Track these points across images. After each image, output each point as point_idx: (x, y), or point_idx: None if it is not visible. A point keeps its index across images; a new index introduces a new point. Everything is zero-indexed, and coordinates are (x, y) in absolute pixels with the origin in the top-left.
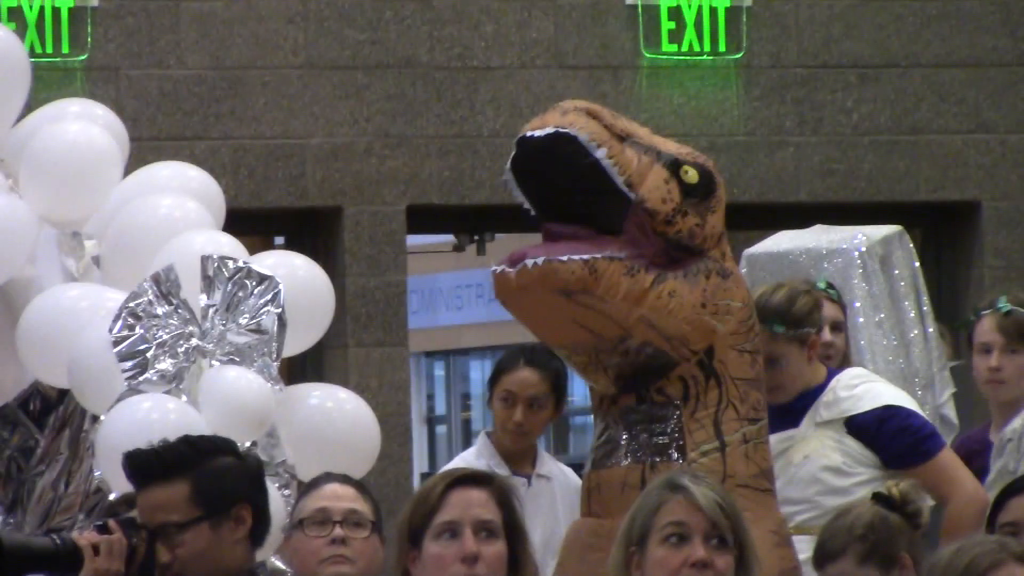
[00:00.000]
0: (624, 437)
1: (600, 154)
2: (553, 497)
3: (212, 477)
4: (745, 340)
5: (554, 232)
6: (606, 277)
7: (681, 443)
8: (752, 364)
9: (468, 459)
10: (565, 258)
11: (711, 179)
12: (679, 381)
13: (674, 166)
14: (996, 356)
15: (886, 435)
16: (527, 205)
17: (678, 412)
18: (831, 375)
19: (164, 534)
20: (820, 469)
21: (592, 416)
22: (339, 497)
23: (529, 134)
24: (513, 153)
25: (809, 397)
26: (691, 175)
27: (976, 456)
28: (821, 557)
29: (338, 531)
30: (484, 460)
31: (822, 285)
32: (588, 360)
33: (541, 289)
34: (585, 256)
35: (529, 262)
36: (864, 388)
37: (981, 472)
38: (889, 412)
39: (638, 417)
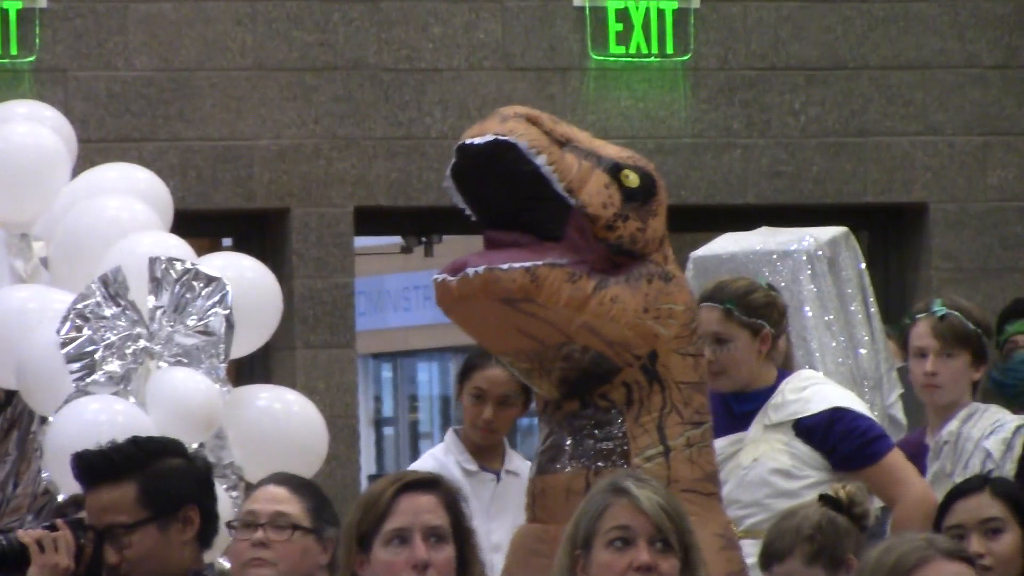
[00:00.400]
0: (568, 443)
1: (540, 161)
2: (522, 493)
3: (160, 478)
4: (688, 344)
5: (495, 239)
6: (548, 284)
7: (625, 448)
8: (695, 367)
9: (437, 455)
10: (506, 266)
11: (652, 182)
12: (623, 386)
13: (614, 170)
14: (932, 361)
15: (834, 437)
16: (468, 212)
17: (622, 417)
18: (781, 377)
19: (112, 535)
20: (769, 472)
21: (537, 420)
22: (269, 499)
23: (469, 141)
24: (453, 160)
25: (759, 399)
26: (632, 179)
27: (913, 460)
28: (768, 557)
29: (259, 534)
30: (453, 456)
31: (763, 285)
32: (531, 366)
33: (483, 298)
34: (527, 264)
35: (470, 271)
36: (813, 391)
37: None
38: (837, 414)
39: (582, 423)
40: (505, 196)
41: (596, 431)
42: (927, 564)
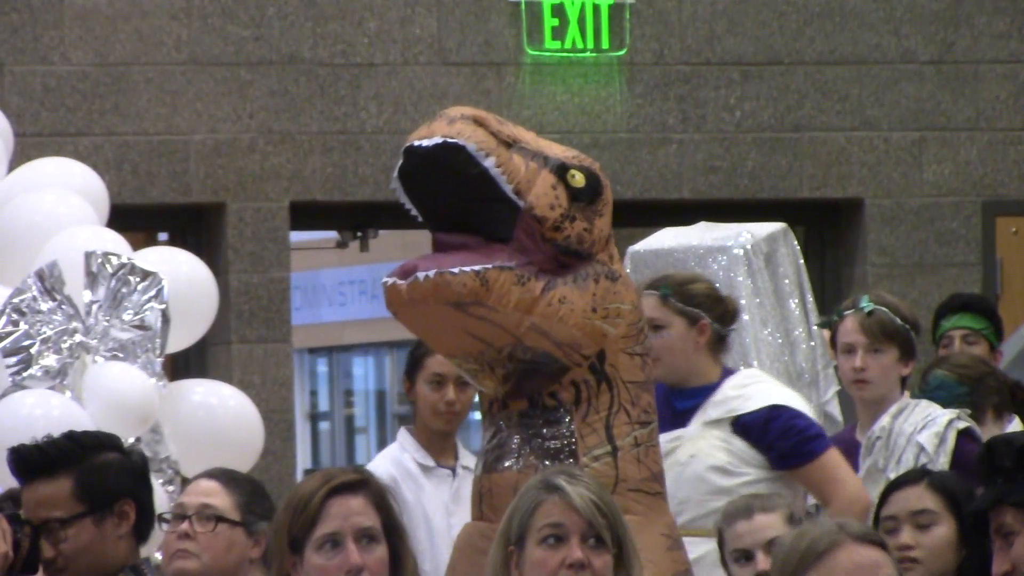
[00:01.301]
0: (516, 441)
1: (489, 163)
2: None
3: (96, 473)
4: (635, 343)
5: (443, 242)
6: (497, 287)
7: (573, 448)
8: (642, 367)
9: (394, 454)
10: (456, 270)
11: (598, 182)
12: (571, 386)
13: (561, 171)
14: (860, 356)
15: (771, 435)
16: (415, 213)
17: (570, 416)
18: (726, 375)
19: (48, 530)
20: (706, 469)
21: (481, 418)
22: (197, 492)
23: (416, 143)
24: (400, 162)
25: (701, 396)
26: (578, 179)
27: (845, 457)
28: (749, 509)
29: (184, 526)
30: (409, 453)
31: (710, 280)
32: (479, 367)
33: (433, 301)
34: (476, 267)
35: (420, 275)
36: (754, 388)
37: None
38: (775, 412)
39: (530, 422)
40: (452, 198)
41: (544, 430)
42: (838, 548)
